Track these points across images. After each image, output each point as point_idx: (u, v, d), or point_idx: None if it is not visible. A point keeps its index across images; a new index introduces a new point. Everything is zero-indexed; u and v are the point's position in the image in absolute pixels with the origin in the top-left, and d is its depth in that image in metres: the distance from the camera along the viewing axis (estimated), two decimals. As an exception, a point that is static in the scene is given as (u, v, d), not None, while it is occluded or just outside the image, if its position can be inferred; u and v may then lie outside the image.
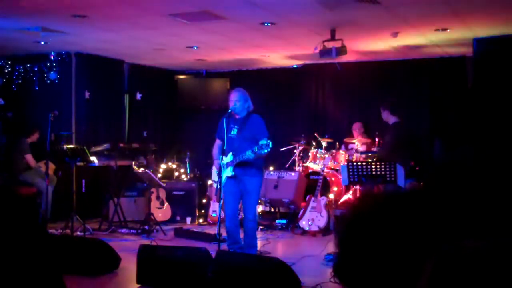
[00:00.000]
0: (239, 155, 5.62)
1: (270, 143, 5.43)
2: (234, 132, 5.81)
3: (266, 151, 5.42)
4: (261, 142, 5.47)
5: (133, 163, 8.40)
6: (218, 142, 6.03)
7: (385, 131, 7.34)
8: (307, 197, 7.93)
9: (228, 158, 5.74)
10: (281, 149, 9.71)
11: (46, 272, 1.88)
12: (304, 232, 7.72)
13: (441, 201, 1.18)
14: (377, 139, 8.61)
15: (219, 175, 5.72)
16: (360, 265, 1.08)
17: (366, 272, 1.07)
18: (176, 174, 9.65)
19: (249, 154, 5.52)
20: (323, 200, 7.77)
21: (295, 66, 10.39)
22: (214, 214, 8.27)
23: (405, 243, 1.04)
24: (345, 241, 1.13)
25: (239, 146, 5.68)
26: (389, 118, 6.91)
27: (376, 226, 1.08)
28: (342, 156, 8.68)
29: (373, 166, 6.14)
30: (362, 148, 8.87)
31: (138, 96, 10.30)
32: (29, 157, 8.06)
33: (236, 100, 5.77)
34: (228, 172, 5.74)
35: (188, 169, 9.84)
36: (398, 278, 1.03)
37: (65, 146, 7.84)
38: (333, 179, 8.52)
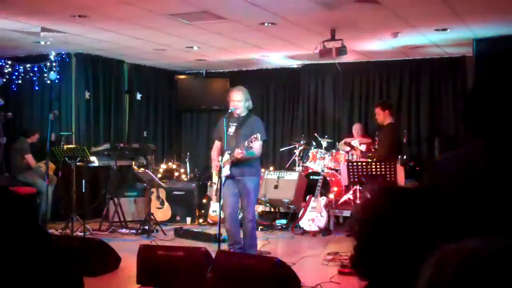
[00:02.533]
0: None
1: (259, 136, 5.42)
2: (231, 130, 5.80)
3: (254, 142, 5.40)
4: (254, 146, 5.48)
5: (133, 163, 8.39)
6: (216, 143, 6.03)
7: (379, 132, 7.38)
8: (307, 197, 7.93)
9: (225, 158, 5.73)
10: (281, 149, 9.71)
11: (47, 273, 1.89)
12: (304, 232, 7.72)
13: (453, 198, 1.19)
14: (377, 139, 8.62)
15: (219, 175, 5.72)
16: (379, 258, 1.09)
17: (385, 265, 1.08)
18: (176, 174, 9.65)
19: (237, 152, 5.51)
20: (323, 200, 7.77)
21: (295, 66, 10.39)
22: (214, 214, 8.27)
23: (424, 238, 1.06)
24: (364, 234, 1.14)
25: (236, 144, 5.67)
26: (383, 119, 6.96)
27: (395, 221, 1.09)
28: (342, 156, 8.69)
29: (373, 166, 6.15)
30: (361, 148, 8.87)
31: (138, 96, 10.30)
32: (29, 157, 8.06)
33: (238, 101, 5.76)
34: (224, 171, 5.73)
35: (188, 169, 9.84)
36: (415, 271, 1.04)
37: (65, 146, 7.85)
38: (333, 179, 8.52)
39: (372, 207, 1.17)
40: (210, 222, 8.41)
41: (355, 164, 6.38)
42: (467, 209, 1.18)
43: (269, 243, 7.07)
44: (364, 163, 6.34)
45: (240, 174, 5.73)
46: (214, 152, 6.03)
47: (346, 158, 8.63)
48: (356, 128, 9.30)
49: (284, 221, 8.22)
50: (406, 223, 1.09)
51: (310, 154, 8.99)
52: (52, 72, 8.92)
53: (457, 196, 1.21)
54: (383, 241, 1.10)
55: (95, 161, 7.83)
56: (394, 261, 1.08)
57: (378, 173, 6.11)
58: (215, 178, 5.98)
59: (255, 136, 5.40)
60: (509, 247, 0.81)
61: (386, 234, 1.10)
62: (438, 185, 1.90)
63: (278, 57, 9.56)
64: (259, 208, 8.62)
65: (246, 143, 5.43)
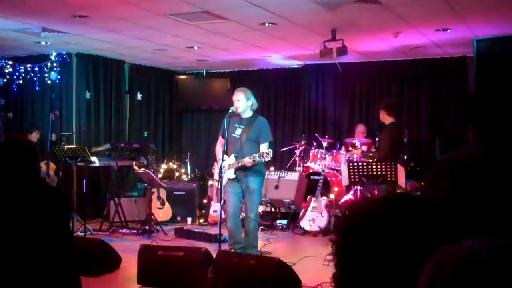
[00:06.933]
0: (240, 159, 5.62)
1: (271, 152, 5.46)
2: (238, 132, 5.79)
3: (266, 160, 5.45)
4: (262, 150, 5.51)
5: (134, 163, 8.39)
6: (221, 140, 6.00)
7: (381, 131, 7.38)
8: (308, 197, 7.93)
9: (230, 160, 5.72)
10: (281, 149, 9.71)
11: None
12: (304, 232, 7.72)
13: (441, 202, 1.17)
14: (377, 139, 8.62)
15: (220, 174, 5.71)
16: (360, 272, 1.06)
17: (367, 279, 1.05)
18: (177, 174, 9.65)
19: (247, 161, 5.52)
20: (323, 200, 7.77)
21: (295, 66, 10.39)
22: (214, 214, 8.27)
23: (405, 246, 1.03)
24: (344, 248, 1.10)
25: (242, 147, 5.66)
26: (385, 118, 6.95)
27: (375, 231, 1.06)
28: (343, 156, 8.68)
29: (374, 166, 6.14)
30: (363, 148, 8.86)
31: (139, 96, 10.30)
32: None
33: (237, 100, 5.77)
34: (229, 174, 5.73)
35: (188, 169, 9.84)
36: (399, 282, 1.03)
37: (66, 146, 7.85)
38: (333, 179, 8.52)
39: (347, 224, 1.13)
40: (211, 222, 8.42)
41: (355, 164, 6.37)
42: (455, 216, 1.15)
43: (270, 243, 7.07)
44: (364, 163, 6.33)
45: (244, 173, 5.73)
46: (219, 149, 5.99)
47: (347, 158, 8.62)
48: (360, 129, 9.28)
49: (284, 221, 8.22)
50: (381, 233, 1.06)
51: (310, 154, 8.99)
52: (52, 72, 8.93)
53: (442, 205, 1.18)
54: (361, 263, 1.06)
55: (95, 161, 7.83)
56: (373, 274, 1.05)
57: (379, 173, 6.10)
58: (216, 176, 5.97)
59: (267, 152, 5.46)
60: (508, 247, 0.81)
61: (363, 254, 1.06)
62: (439, 184, 1.90)
63: (278, 57, 9.56)
64: (260, 208, 8.61)
65: (257, 156, 5.44)
